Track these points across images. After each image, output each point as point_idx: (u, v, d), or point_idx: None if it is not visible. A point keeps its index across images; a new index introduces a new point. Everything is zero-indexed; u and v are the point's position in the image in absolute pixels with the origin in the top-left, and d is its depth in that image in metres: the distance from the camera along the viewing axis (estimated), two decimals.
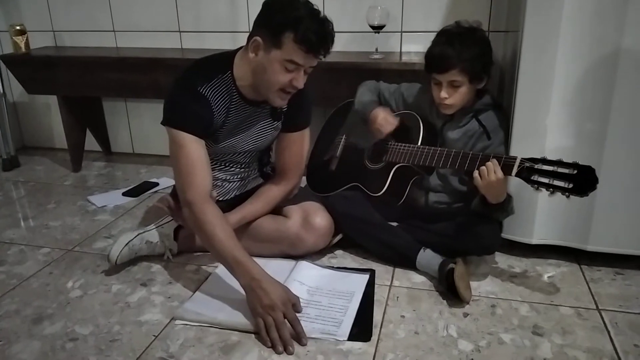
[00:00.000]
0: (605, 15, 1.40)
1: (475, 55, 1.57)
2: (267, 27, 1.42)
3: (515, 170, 1.38)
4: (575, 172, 1.28)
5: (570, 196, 1.29)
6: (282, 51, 1.41)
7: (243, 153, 1.68)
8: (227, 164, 1.70)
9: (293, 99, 1.55)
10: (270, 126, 1.66)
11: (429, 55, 1.63)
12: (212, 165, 1.56)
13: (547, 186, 1.32)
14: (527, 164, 1.36)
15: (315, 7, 1.44)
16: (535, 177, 1.34)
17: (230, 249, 1.40)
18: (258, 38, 1.44)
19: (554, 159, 1.32)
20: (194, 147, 1.49)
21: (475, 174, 1.45)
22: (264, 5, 1.46)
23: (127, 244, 1.65)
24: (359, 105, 1.81)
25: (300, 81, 1.47)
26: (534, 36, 1.47)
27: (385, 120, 1.72)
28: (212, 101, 1.51)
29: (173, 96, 1.52)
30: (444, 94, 1.60)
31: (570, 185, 1.28)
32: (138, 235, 1.68)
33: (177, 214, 1.68)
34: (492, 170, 1.41)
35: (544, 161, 1.34)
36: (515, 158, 1.40)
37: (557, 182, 1.30)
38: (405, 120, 1.74)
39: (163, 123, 1.52)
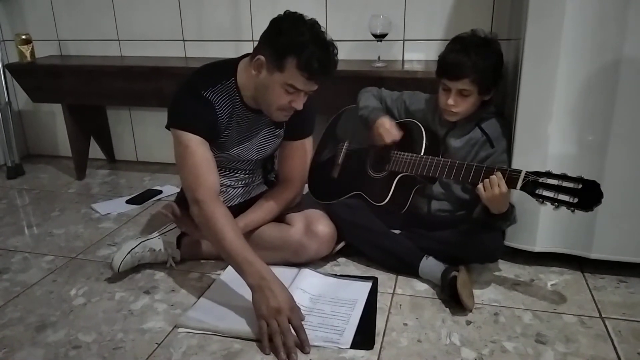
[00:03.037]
0: (606, 23, 1.41)
1: (488, 67, 1.56)
2: (272, 48, 1.44)
3: (519, 184, 1.38)
4: (580, 186, 1.28)
5: (576, 210, 1.28)
6: (284, 75, 1.43)
7: (247, 161, 1.69)
8: (231, 170, 1.70)
9: None
10: (273, 134, 1.67)
11: (443, 60, 1.61)
12: None
13: (552, 200, 1.31)
14: (532, 178, 1.35)
15: (321, 30, 1.44)
16: (540, 191, 1.33)
17: (240, 248, 1.41)
18: (262, 57, 1.45)
19: (559, 173, 1.32)
20: (200, 148, 1.50)
21: (479, 186, 1.44)
22: (271, 23, 1.48)
23: (129, 252, 1.65)
24: (365, 109, 1.78)
25: (299, 103, 1.49)
26: (536, 44, 1.47)
27: (389, 131, 1.70)
28: (216, 105, 1.52)
29: (177, 99, 1.54)
30: (451, 101, 1.60)
31: (575, 200, 1.28)
32: (141, 243, 1.69)
33: (182, 221, 1.68)
34: (495, 183, 1.41)
35: (549, 175, 1.33)
36: (519, 171, 1.39)
37: (562, 197, 1.30)
38: (408, 128, 1.74)
39: (168, 126, 1.54)
